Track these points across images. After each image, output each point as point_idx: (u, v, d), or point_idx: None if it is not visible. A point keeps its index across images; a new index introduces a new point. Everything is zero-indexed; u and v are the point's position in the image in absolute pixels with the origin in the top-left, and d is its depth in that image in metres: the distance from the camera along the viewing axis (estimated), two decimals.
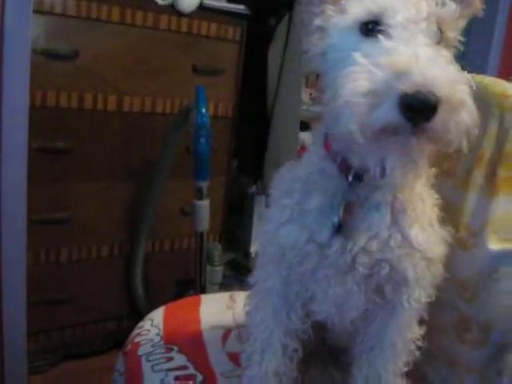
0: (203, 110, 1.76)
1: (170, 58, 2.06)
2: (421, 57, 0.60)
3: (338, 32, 0.73)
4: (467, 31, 0.76)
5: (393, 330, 0.88)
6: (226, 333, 1.18)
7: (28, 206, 1.55)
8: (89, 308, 2.10)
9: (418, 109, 0.58)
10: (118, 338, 1.96)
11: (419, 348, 0.90)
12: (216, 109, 2.20)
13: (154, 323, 1.23)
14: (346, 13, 0.71)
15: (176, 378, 1.02)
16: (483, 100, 1.01)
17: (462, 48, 0.75)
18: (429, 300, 0.87)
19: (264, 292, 0.94)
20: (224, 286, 2.26)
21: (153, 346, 1.14)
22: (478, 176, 0.98)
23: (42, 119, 1.81)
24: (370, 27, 0.68)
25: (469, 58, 2.93)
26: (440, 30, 0.69)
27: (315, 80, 2.75)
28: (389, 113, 0.59)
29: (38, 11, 1.72)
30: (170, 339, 1.16)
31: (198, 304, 1.31)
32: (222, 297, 1.34)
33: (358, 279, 0.81)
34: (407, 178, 0.78)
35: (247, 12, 2.21)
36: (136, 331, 1.23)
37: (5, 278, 1.53)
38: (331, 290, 0.83)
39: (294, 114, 2.43)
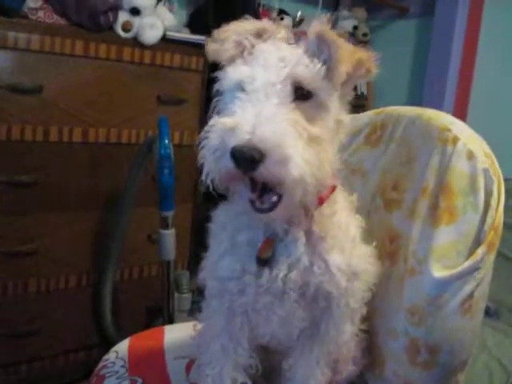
0: (166, 142, 1.78)
1: (133, 89, 2.10)
2: (255, 117, 0.70)
3: (225, 93, 0.85)
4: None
5: (328, 325, 0.96)
6: (190, 363, 1.20)
7: None
8: (58, 339, 2.10)
9: (242, 160, 0.68)
10: (88, 368, 1.95)
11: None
12: (181, 137, 2.24)
13: (119, 355, 1.25)
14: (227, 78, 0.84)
15: None
16: (427, 133, 1.08)
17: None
18: (357, 306, 0.97)
19: (211, 329, 1.00)
20: (194, 312, 2.27)
21: (117, 379, 1.16)
22: (423, 207, 1.03)
23: (7, 153, 1.84)
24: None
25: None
26: (308, 90, 0.78)
27: None
28: (227, 163, 0.71)
29: (2, 47, 1.77)
30: (135, 371, 1.18)
31: (163, 335, 1.33)
32: (186, 327, 1.37)
33: (294, 298, 0.89)
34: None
35: None
36: (101, 364, 1.25)
37: None
38: (273, 314, 0.91)
39: None
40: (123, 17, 2.03)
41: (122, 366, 1.20)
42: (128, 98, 2.09)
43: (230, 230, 0.92)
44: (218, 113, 0.84)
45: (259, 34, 0.86)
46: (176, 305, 2.10)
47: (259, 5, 2.78)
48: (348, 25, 3.21)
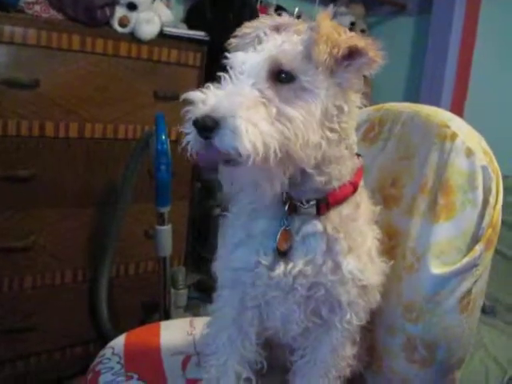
0: (163, 137, 1.78)
1: (130, 84, 2.09)
2: (224, 93, 0.76)
3: None
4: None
5: (326, 347, 0.96)
6: (186, 359, 1.20)
7: None
8: (54, 334, 2.09)
9: (200, 128, 0.73)
10: (85, 363, 1.95)
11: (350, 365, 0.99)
12: (178, 133, 2.21)
13: (115, 351, 1.25)
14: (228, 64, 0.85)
15: None
16: (425, 129, 1.07)
17: None
18: (360, 323, 0.95)
19: (221, 320, 1.00)
20: (190, 308, 2.28)
21: (113, 375, 1.15)
22: (422, 203, 1.03)
23: (3, 148, 1.83)
24: None
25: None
26: (289, 73, 0.79)
27: None
28: (193, 132, 0.75)
29: None
30: (131, 367, 1.18)
31: (159, 331, 1.33)
32: (183, 323, 1.37)
33: (298, 300, 0.89)
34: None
35: (207, 38, 2.26)
36: (97, 360, 1.25)
37: None
38: (276, 310, 0.92)
39: None
40: (120, 12, 2.02)
41: (118, 362, 1.20)
42: (125, 94, 2.08)
43: (245, 220, 0.92)
44: None
45: (277, 28, 0.88)
46: (172, 301, 2.10)
47: (257, 1, 2.77)
48: (345, 21, 3.20)
